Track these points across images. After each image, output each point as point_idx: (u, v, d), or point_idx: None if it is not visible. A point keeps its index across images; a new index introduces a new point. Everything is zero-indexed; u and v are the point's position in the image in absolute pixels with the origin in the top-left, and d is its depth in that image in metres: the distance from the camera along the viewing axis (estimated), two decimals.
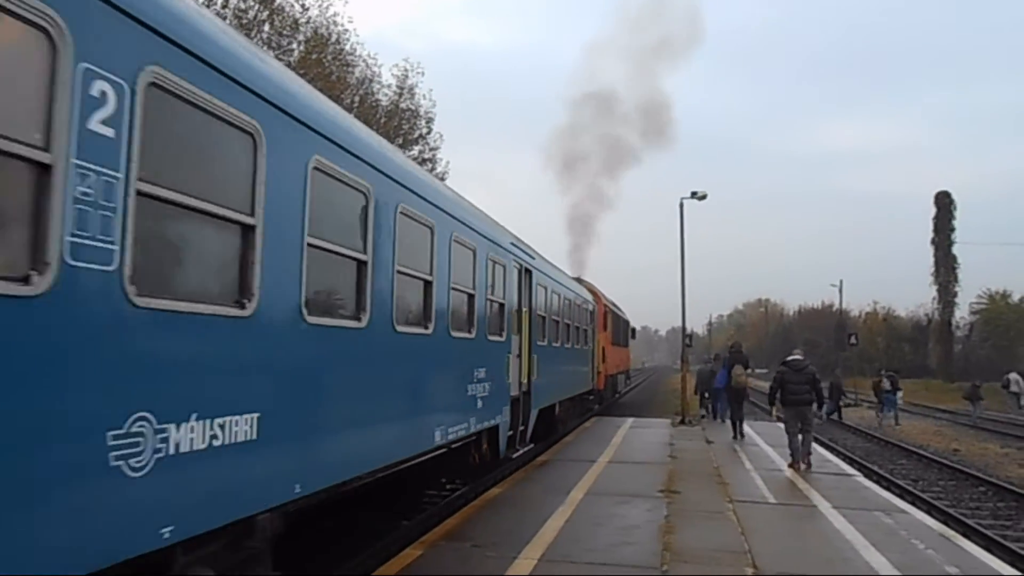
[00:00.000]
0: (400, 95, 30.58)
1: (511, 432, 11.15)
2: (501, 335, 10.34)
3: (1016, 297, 69.53)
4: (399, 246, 6.44)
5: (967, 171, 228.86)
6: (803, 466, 12.58)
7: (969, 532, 10.72)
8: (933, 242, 65.00)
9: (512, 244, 11.38)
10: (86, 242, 3.03)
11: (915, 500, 13.00)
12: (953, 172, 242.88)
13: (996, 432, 26.10)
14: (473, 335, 8.91)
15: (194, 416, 3.69)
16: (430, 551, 6.86)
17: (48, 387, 2.88)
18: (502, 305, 10.43)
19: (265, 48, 19.38)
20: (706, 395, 21.99)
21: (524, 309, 11.90)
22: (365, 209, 5.82)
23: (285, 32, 25.67)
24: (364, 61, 29.08)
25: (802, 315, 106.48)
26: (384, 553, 7.15)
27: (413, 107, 30.90)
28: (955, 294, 65.24)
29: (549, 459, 12.88)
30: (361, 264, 5.74)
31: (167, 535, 3.48)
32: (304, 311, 4.78)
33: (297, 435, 4.78)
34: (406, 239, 6.63)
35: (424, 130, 31.35)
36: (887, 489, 12.31)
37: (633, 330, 44.58)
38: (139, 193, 3.32)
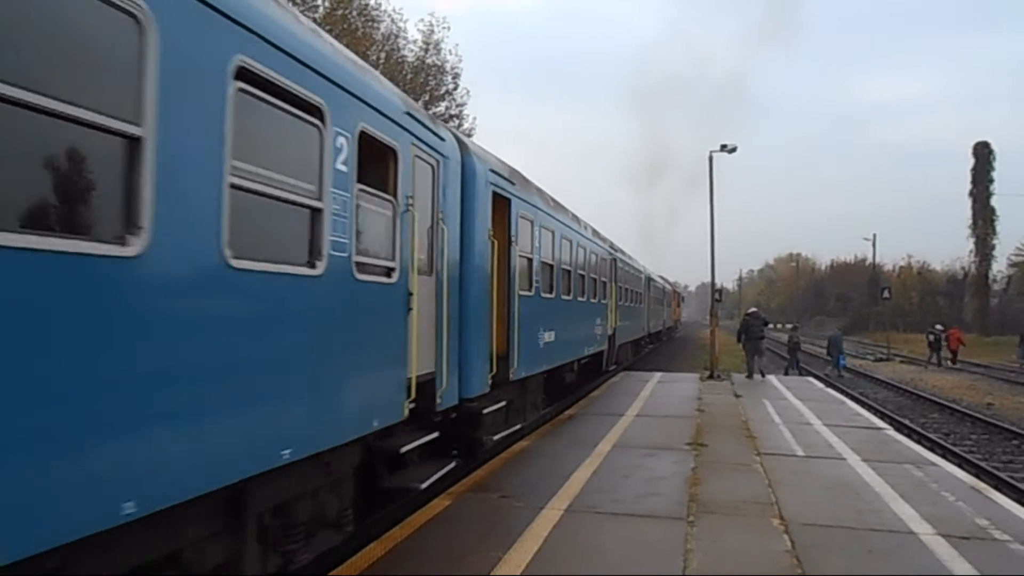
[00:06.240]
0: (426, 51, 30.29)
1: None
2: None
3: None
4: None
5: (1007, 121, 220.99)
6: (758, 377, 19.55)
7: (1001, 485, 10.63)
8: (971, 194, 63.20)
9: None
10: None
11: (946, 453, 12.89)
12: (992, 122, 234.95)
13: None
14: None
15: None
16: (458, 501, 6.99)
17: None
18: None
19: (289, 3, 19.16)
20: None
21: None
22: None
23: None
24: (389, 16, 28.83)
25: (834, 269, 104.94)
26: (414, 503, 7.29)
27: (439, 63, 30.64)
28: (993, 247, 63.64)
29: (576, 413, 12.98)
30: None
31: None
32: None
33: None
34: None
35: (451, 86, 31.14)
36: (918, 443, 12.22)
37: (683, 297, 65.97)
38: None
